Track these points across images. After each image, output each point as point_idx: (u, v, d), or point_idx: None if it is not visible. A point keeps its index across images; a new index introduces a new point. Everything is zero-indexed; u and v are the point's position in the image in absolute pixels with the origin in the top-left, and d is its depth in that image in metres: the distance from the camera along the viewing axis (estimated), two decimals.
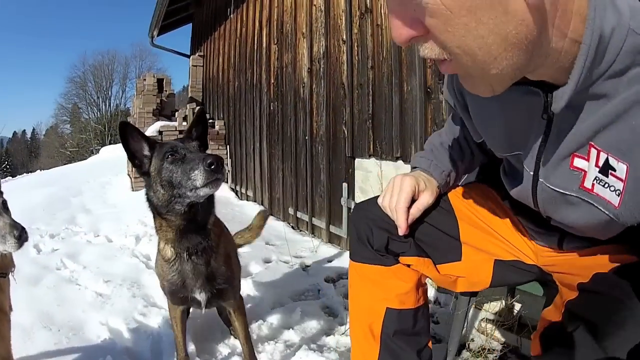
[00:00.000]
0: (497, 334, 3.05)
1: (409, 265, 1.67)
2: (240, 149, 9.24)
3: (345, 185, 5.31)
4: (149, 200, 2.28)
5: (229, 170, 9.91)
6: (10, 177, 21.47)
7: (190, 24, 13.80)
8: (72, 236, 6.14)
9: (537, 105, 1.13)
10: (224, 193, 9.31)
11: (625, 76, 0.99)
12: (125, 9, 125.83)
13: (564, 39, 0.96)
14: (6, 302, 2.34)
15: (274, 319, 3.59)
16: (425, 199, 1.61)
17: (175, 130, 9.77)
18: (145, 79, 11.63)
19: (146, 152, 2.24)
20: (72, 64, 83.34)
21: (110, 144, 39.50)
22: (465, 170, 1.82)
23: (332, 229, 5.66)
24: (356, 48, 4.99)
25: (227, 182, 9.88)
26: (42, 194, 9.52)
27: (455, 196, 1.76)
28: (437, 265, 1.68)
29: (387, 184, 1.66)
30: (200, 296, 2.43)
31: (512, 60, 0.93)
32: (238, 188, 9.43)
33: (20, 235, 2.09)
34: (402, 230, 1.56)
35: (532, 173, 1.29)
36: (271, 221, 7.02)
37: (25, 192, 10.26)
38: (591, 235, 1.35)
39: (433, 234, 1.67)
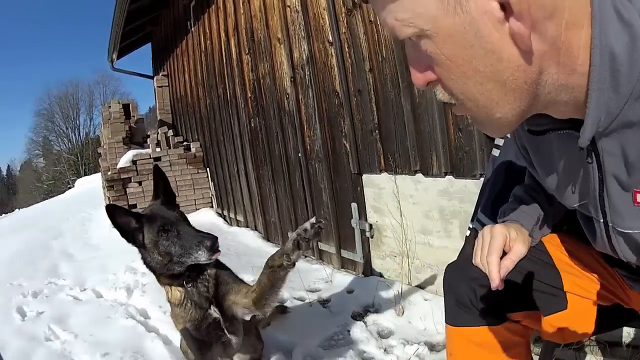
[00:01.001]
0: None
1: (517, 322, 1.65)
2: (222, 171, 8.67)
3: (354, 205, 4.73)
4: (145, 264, 2.60)
5: (213, 195, 9.41)
6: None
7: (149, 43, 13.37)
8: (57, 292, 5.57)
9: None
10: (211, 219, 8.90)
11: None
12: (82, 37, 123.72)
13: (574, 74, 0.96)
14: None
15: None
16: (519, 249, 1.50)
17: (149, 157, 9.36)
18: (110, 107, 11.07)
19: (134, 224, 2.48)
20: (37, 97, 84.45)
21: (85, 174, 40.77)
22: (554, 215, 1.70)
23: (345, 253, 5.09)
24: (347, 49, 4.40)
25: (212, 207, 9.37)
26: (21, 240, 9.42)
27: (550, 244, 1.68)
28: (544, 317, 1.60)
29: (477, 239, 1.56)
30: (213, 309, 2.67)
31: (515, 104, 0.98)
32: (226, 213, 8.86)
33: None
34: (495, 283, 1.43)
35: (601, 220, 1.26)
36: (270, 247, 6.50)
37: (4, 239, 10.35)
38: None
39: (535, 285, 1.60)
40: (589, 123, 0.98)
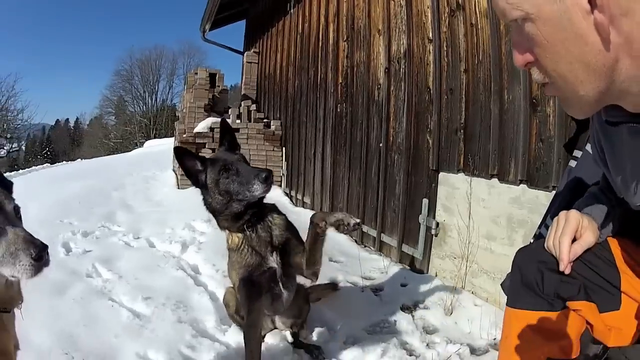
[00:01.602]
0: None
1: (575, 311, 1.66)
2: (299, 152, 8.75)
3: (425, 201, 4.77)
4: (207, 205, 2.76)
5: (283, 174, 9.46)
6: (49, 164, 21.52)
7: (244, 20, 13.48)
8: (108, 236, 5.64)
9: None
10: (277, 196, 8.89)
11: None
12: (172, 5, 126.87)
13: None
14: (11, 342, 1.79)
15: (348, 358, 3.22)
16: (589, 238, 1.63)
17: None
18: (197, 73, 11.20)
19: (199, 167, 2.70)
20: (118, 58, 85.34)
21: (155, 137, 40.22)
22: (621, 218, 1.73)
23: (405, 248, 5.13)
24: (445, 48, 4.46)
25: (280, 185, 9.46)
26: (80, 186, 9.33)
27: (614, 244, 1.71)
28: (599, 314, 1.64)
29: (551, 224, 1.69)
30: (273, 259, 2.79)
31: (595, 84, 1.13)
32: (293, 193, 8.95)
33: (40, 256, 1.53)
34: (563, 265, 1.58)
35: None
36: (331, 232, 6.53)
37: (62, 183, 10.15)
38: None
39: (595, 279, 1.65)
40: None
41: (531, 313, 1.69)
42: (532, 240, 2.80)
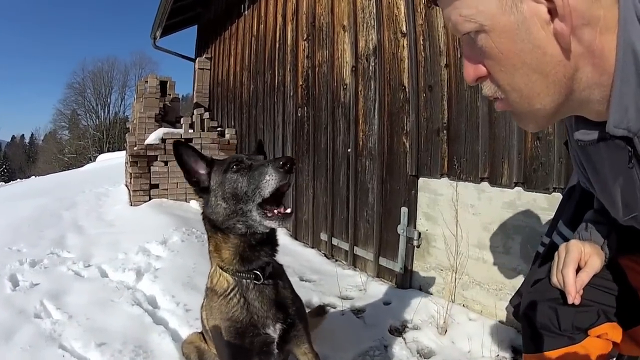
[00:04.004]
0: None
1: (598, 337, 1.64)
2: None
3: (404, 209, 4.40)
4: (205, 218, 2.17)
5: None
6: (3, 183, 21.85)
7: (196, 25, 13.18)
8: (57, 265, 5.14)
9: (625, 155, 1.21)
10: None
11: None
12: (124, 17, 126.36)
13: (606, 73, 1.07)
14: None
15: None
16: (594, 263, 1.58)
17: (180, 137, 8.92)
18: (147, 81, 10.65)
19: (203, 170, 2.17)
20: (71, 71, 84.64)
21: (108, 151, 40.53)
22: (624, 230, 1.64)
23: (383, 261, 4.76)
24: (422, 42, 4.12)
25: None
26: (32, 206, 9.02)
27: (623, 261, 1.70)
28: (625, 332, 1.64)
29: (553, 259, 1.66)
30: (274, 329, 2.17)
31: (554, 97, 1.12)
32: None
33: None
34: (571, 297, 1.52)
35: None
36: (298, 247, 6.18)
37: (13, 203, 10.00)
38: None
39: (610, 301, 1.64)
40: (614, 105, 1.09)
41: (555, 352, 1.66)
42: (539, 251, 2.52)
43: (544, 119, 1.19)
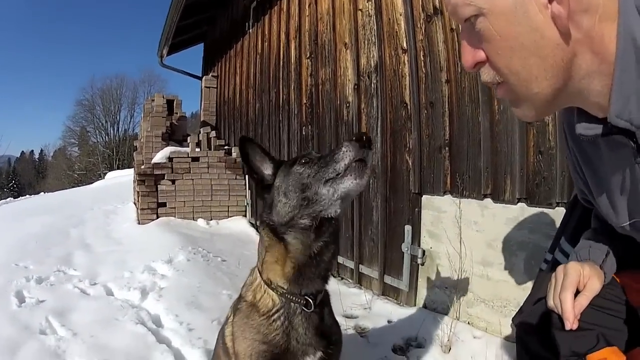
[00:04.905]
0: None
1: None
2: None
3: (408, 228, 4.37)
4: (263, 224, 1.91)
5: (248, 203, 9.06)
6: (12, 198, 21.46)
7: (202, 43, 13.28)
8: (63, 282, 5.15)
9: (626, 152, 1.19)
10: (243, 227, 8.57)
11: None
12: (133, 33, 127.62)
13: (605, 62, 1.06)
14: None
15: None
16: (594, 285, 1.51)
17: (187, 156, 9.01)
18: (153, 100, 10.70)
19: (269, 170, 1.97)
20: (80, 87, 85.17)
21: (118, 168, 40.46)
22: (625, 248, 1.64)
23: (388, 279, 4.72)
24: (422, 58, 4.11)
25: (245, 215, 9.09)
26: (40, 223, 9.10)
27: (622, 279, 1.66)
28: (626, 354, 1.56)
29: (550, 281, 1.59)
30: (314, 358, 1.91)
31: (552, 81, 1.10)
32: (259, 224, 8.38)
33: None
34: (569, 322, 1.44)
35: None
36: None
37: (23, 220, 10.05)
38: None
39: (610, 322, 1.59)
40: (615, 94, 1.07)
41: None
42: (542, 268, 2.47)
43: (542, 106, 1.19)
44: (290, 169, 1.84)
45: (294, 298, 1.86)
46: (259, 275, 1.97)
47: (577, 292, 1.51)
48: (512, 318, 2.29)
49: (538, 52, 1.07)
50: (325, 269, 1.90)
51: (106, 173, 35.06)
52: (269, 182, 1.91)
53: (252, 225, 8.70)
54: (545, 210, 3.18)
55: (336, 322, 2.11)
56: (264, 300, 1.91)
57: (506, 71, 1.13)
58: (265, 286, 1.92)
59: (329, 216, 1.77)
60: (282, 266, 1.84)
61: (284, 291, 1.86)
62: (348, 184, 1.72)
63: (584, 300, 1.49)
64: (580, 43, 1.06)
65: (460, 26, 1.21)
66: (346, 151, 1.71)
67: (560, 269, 1.58)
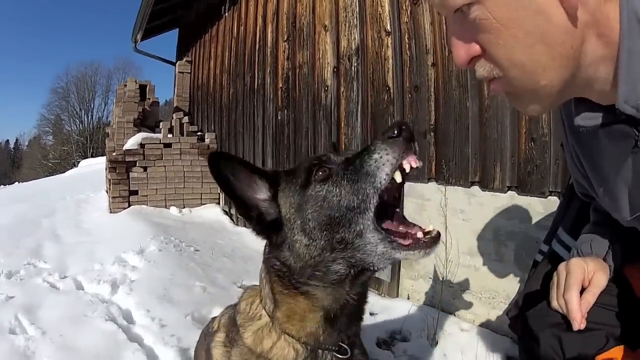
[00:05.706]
0: None
1: None
2: None
3: None
4: (272, 268, 1.36)
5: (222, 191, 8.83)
6: None
7: (177, 29, 13.04)
8: (33, 276, 5.00)
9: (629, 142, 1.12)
10: (216, 215, 8.42)
11: None
12: (109, 20, 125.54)
13: (610, 44, 0.99)
14: None
15: None
16: (600, 280, 1.43)
17: (159, 142, 8.80)
18: (126, 85, 10.54)
19: (263, 193, 1.37)
20: (55, 75, 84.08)
21: (92, 156, 40.42)
22: (629, 239, 1.54)
23: None
24: (407, 41, 4.00)
25: (219, 203, 8.94)
26: (12, 213, 9.15)
27: (628, 272, 1.56)
28: (633, 352, 1.44)
29: (552, 281, 1.51)
30: None
31: (560, 71, 1.01)
32: (233, 211, 8.35)
33: None
34: (577, 323, 1.36)
35: None
36: None
37: None
38: None
39: (617, 318, 1.49)
40: (622, 78, 0.99)
41: None
42: (537, 259, 2.37)
43: (549, 99, 1.09)
44: (304, 191, 1.30)
45: (325, 347, 1.39)
46: (263, 311, 1.46)
47: (582, 289, 1.46)
48: (507, 311, 2.18)
49: (544, 38, 0.97)
50: (360, 310, 1.44)
51: (79, 161, 34.87)
52: (270, 216, 1.36)
53: (226, 213, 8.58)
54: (537, 199, 3.11)
55: (365, 352, 1.58)
56: (278, 350, 1.39)
57: (507, 64, 1.02)
58: (280, 331, 1.40)
59: (373, 268, 1.28)
60: (302, 322, 1.36)
61: (314, 343, 1.38)
62: (414, 253, 1.23)
63: (591, 297, 1.43)
64: (588, 26, 0.97)
65: (445, 19, 1.11)
66: (385, 158, 1.20)
67: (562, 266, 1.51)
